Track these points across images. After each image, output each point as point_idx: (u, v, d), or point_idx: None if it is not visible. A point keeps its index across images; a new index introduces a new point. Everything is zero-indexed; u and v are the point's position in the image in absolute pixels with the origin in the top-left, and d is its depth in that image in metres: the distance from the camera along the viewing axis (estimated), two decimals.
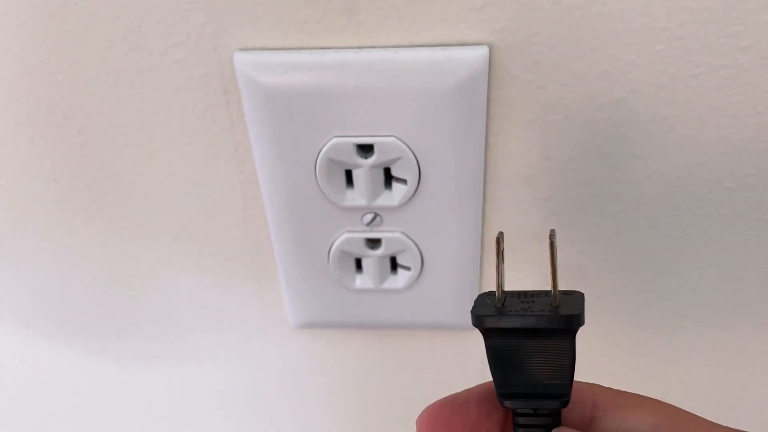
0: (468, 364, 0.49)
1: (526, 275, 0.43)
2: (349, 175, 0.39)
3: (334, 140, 0.37)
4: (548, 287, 0.27)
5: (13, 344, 0.52)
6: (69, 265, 0.46)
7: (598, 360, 0.47)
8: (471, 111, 0.36)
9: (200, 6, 0.34)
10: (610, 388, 0.27)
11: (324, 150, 0.37)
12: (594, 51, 0.34)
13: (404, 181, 0.38)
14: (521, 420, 0.27)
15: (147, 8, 0.35)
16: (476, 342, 0.46)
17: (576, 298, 0.27)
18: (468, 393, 0.27)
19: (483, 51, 0.34)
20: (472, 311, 0.27)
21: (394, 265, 0.43)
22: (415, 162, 0.37)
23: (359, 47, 0.35)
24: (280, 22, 0.35)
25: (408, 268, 0.42)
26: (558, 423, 0.26)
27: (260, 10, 0.34)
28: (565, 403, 0.26)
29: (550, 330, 0.25)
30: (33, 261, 0.46)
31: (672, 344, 0.46)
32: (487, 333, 0.26)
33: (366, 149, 0.37)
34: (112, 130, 0.39)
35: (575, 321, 0.25)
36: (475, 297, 0.42)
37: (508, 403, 0.27)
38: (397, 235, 0.40)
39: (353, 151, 0.37)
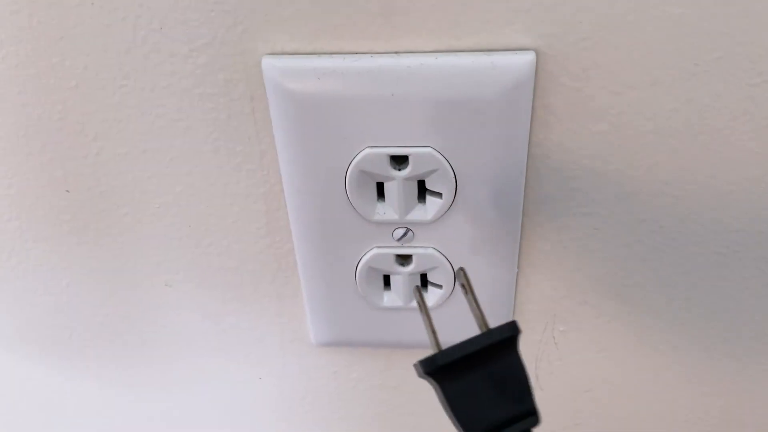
0: None
1: (564, 294, 0.41)
2: (380, 187, 0.36)
3: (367, 150, 0.35)
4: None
5: (13, 360, 0.50)
6: (80, 278, 0.44)
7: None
8: (514, 121, 0.33)
9: (227, 7, 0.32)
10: None
11: (355, 161, 0.35)
12: (647, 58, 0.32)
13: (439, 195, 0.36)
14: None
15: (169, 8, 0.32)
16: None
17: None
18: None
19: (529, 57, 0.32)
20: (414, 365, 0.27)
21: (424, 282, 0.40)
22: (452, 175, 0.35)
23: (396, 52, 0.33)
24: (311, 25, 0.32)
25: (439, 286, 0.40)
26: None
27: (290, 12, 0.32)
28: (536, 420, 0.26)
29: (491, 347, 0.26)
30: (42, 273, 0.44)
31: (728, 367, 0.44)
32: (438, 379, 0.26)
33: (400, 160, 0.35)
34: (129, 137, 0.37)
35: (508, 328, 0.27)
36: (509, 317, 0.40)
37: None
38: (430, 251, 0.38)
39: (386, 162, 0.35)
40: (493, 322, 0.41)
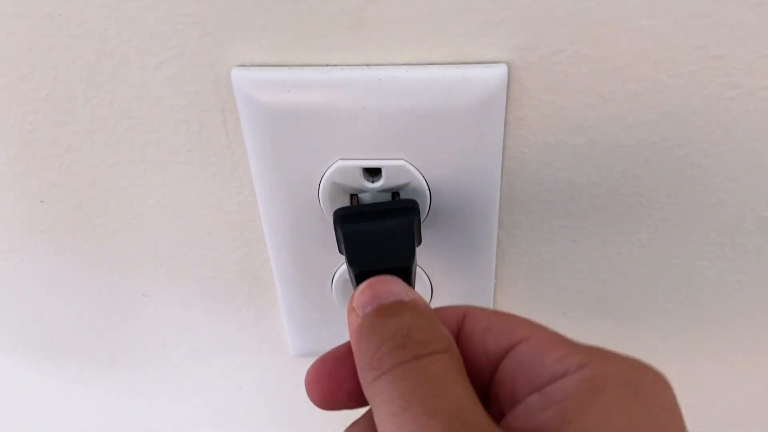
0: None
1: (540, 306, 0.40)
2: (354, 199, 0.36)
3: (339, 163, 0.34)
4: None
5: None
6: (56, 290, 0.44)
7: None
8: (487, 134, 0.33)
9: (195, 18, 0.32)
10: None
11: (328, 173, 0.34)
12: (622, 70, 0.31)
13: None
14: None
15: (138, 20, 0.32)
16: None
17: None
18: (347, 345, 0.26)
19: (501, 69, 0.31)
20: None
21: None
22: (426, 187, 0.34)
23: (367, 64, 0.32)
24: (281, 37, 0.32)
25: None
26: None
27: (260, 23, 0.32)
28: (408, 273, 0.31)
29: (392, 210, 0.32)
30: (17, 285, 0.44)
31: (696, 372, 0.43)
32: (341, 224, 0.32)
33: (373, 173, 0.35)
34: (101, 149, 0.36)
35: (410, 200, 0.33)
36: None
37: (361, 273, 0.30)
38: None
39: (359, 174, 0.34)
40: None
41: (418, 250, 0.37)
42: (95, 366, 0.48)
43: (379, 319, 0.24)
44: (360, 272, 0.31)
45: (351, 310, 0.26)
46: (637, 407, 0.21)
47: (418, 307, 0.25)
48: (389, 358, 0.22)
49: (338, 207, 0.34)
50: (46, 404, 0.52)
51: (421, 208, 0.35)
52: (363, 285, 0.26)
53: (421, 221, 0.35)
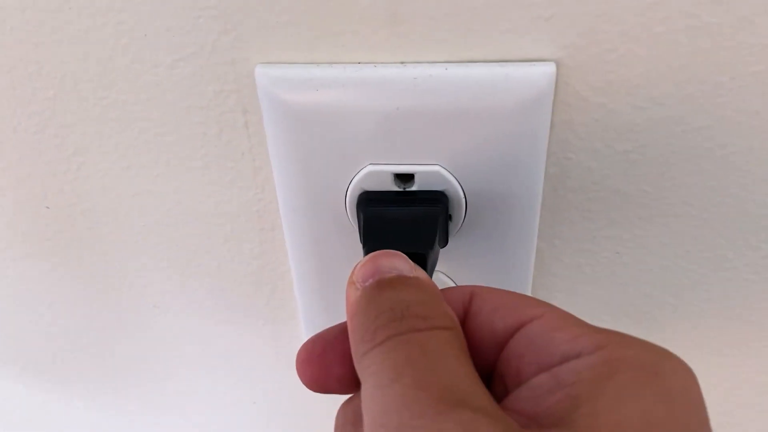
0: None
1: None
2: None
3: (369, 168, 0.32)
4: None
5: None
6: (64, 299, 0.41)
7: None
8: (531, 138, 0.31)
9: (216, 12, 0.29)
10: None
11: (356, 179, 0.32)
12: (677, 71, 0.29)
13: (448, 216, 0.33)
14: None
15: (154, 14, 0.30)
16: None
17: None
18: (342, 324, 0.25)
19: (549, 68, 0.29)
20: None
21: None
22: (462, 195, 0.32)
23: (402, 62, 0.30)
24: (309, 33, 0.30)
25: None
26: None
27: (286, 18, 0.29)
28: (424, 260, 0.28)
29: (418, 199, 0.31)
30: (19, 295, 0.41)
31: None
32: (363, 207, 0.31)
33: (405, 179, 0.32)
34: (112, 152, 0.34)
35: (438, 192, 0.31)
36: None
37: None
38: (439, 276, 0.35)
39: (390, 180, 0.32)
40: None
41: (449, 259, 0.35)
42: (101, 380, 0.46)
43: (379, 292, 0.23)
44: None
45: (351, 283, 0.24)
46: (653, 392, 0.19)
47: (421, 284, 0.23)
48: (384, 330, 0.21)
49: None
50: (48, 423, 0.49)
51: (455, 216, 0.33)
52: (365, 258, 0.24)
53: (456, 230, 0.33)
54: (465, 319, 0.24)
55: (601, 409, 0.18)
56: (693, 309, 0.37)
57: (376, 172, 0.32)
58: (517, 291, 0.35)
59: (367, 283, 0.23)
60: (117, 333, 0.42)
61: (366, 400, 0.20)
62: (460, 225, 0.33)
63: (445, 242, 0.32)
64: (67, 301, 0.41)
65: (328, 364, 0.24)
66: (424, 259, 0.30)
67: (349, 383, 0.24)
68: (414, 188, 0.32)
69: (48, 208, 0.37)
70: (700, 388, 0.20)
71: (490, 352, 0.23)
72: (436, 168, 0.31)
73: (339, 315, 0.38)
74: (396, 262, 0.24)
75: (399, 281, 0.23)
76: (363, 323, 0.22)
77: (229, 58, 0.31)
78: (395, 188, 0.32)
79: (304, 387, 0.44)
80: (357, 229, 0.33)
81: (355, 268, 0.25)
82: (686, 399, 0.19)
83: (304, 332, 0.40)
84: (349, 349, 0.23)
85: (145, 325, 0.42)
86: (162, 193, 0.35)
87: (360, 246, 0.33)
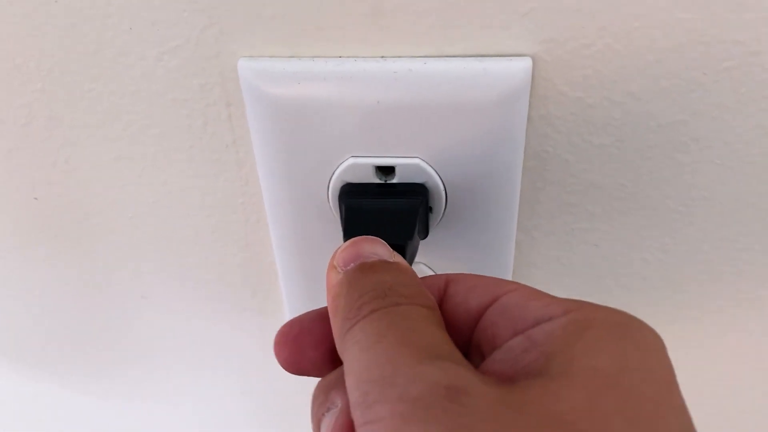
0: None
1: None
2: None
3: (351, 160, 0.32)
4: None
5: None
6: (52, 289, 0.42)
7: None
8: (508, 131, 0.31)
9: (201, 6, 0.30)
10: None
11: (338, 171, 0.33)
12: (653, 66, 0.29)
13: (428, 208, 0.33)
14: None
15: (140, 7, 0.30)
16: None
17: None
18: (318, 310, 0.26)
19: (526, 63, 0.30)
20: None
21: None
22: (442, 188, 0.32)
23: (382, 57, 0.30)
24: (291, 27, 0.30)
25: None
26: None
27: (269, 12, 0.30)
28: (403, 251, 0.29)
29: (398, 191, 0.32)
30: (8, 286, 0.42)
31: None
32: (344, 198, 0.32)
33: (386, 171, 0.33)
34: (99, 144, 0.35)
35: (418, 185, 0.32)
36: None
37: None
38: (421, 267, 0.36)
39: (372, 172, 0.32)
40: None
41: (430, 251, 0.35)
42: (89, 370, 0.46)
43: (362, 274, 0.23)
44: None
45: (332, 267, 0.25)
46: (625, 344, 0.19)
47: (401, 268, 0.24)
48: (368, 306, 0.22)
49: None
50: (37, 412, 0.50)
51: (436, 208, 0.33)
52: (346, 243, 0.25)
53: (437, 222, 0.34)
54: (441, 303, 0.25)
55: (576, 356, 0.19)
56: (671, 301, 0.37)
57: (358, 165, 0.32)
58: None
59: (348, 267, 0.24)
60: (105, 323, 0.43)
61: (350, 364, 0.20)
62: (440, 217, 0.34)
63: (425, 234, 0.33)
64: (55, 292, 0.42)
65: (302, 346, 0.25)
66: (403, 249, 0.30)
67: (323, 365, 0.25)
68: (395, 180, 0.32)
69: (36, 199, 0.37)
70: (666, 349, 0.20)
71: (467, 329, 0.24)
72: (416, 161, 0.32)
73: (323, 304, 0.38)
74: (377, 248, 0.25)
75: (380, 265, 0.24)
76: (347, 303, 0.22)
77: (213, 51, 0.31)
78: (377, 180, 0.33)
79: (291, 377, 0.44)
80: (340, 221, 0.34)
81: (336, 252, 0.25)
82: (657, 354, 0.20)
83: None
84: (323, 333, 0.24)
85: (133, 316, 0.42)
86: (149, 184, 0.36)
87: (342, 237, 0.33)
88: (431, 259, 0.36)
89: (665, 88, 0.30)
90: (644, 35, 0.29)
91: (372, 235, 0.30)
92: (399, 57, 0.30)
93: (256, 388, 0.46)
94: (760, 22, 0.28)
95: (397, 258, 0.25)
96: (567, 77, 0.30)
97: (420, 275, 0.35)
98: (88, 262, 0.40)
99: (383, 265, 0.24)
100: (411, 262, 0.31)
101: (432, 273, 0.36)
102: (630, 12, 0.28)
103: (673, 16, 0.28)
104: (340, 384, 0.22)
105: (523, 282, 0.37)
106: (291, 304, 0.39)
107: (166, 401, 0.48)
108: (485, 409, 0.17)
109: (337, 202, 0.33)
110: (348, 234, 0.31)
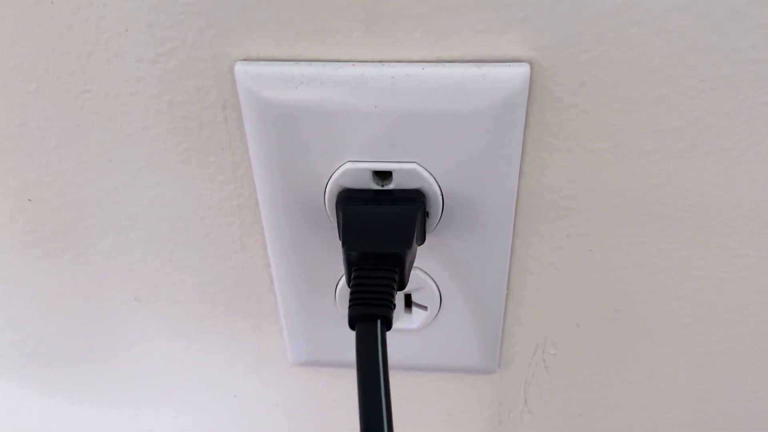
0: (485, 408, 0.44)
1: (553, 317, 0.39)
2: None
3: (348, 165, 0.32)
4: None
5: None
6: (45, 291, 0.41)
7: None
8: (506, 136, 0.31)
9: (197, 9, 0.30)
10: None
11: (335, 175, 0.32)
12: (651, 73, 0.29)
13: (425, 214, 0.33)
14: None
15: (135, 9, 0.30)
16: (492, 385, 0.42)
17: None
18: None
19: (523, 69, 0.29)
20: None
21: (408, 302, 0.38)
22: (439, 193, 0.32)
23: (380, 61, 0.30)
24: (288, 30, 0.30)
25: (424, 308, 0.38)
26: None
27: (266, 15, 0.30)
28: (400, 261, 0.30)
29: (396, 198, 0.32)
30: (5, 286, 0.41)
31: None
32: (342, 205, 0.32)
33: (383, 176, 0.33)
34: (93, 145, 0.34)
35: (414, 191, 0.32)
36: (498, 339, 0.38)
37: (352, 253, 0.30)
38: (417, 272, 0.36)
39: (369, 177, 0.32)
40: (482, 345, 0.39)
41: (427, 256, 0.35)
42: (81, 374, 0.46)
43: None
44: (351, 253, 0.30)
45: None
46: None
47: None
48: None
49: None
50: (25, 417, 0.50)
51: (432, 213, 0.33)
52: None
53: (433, 227, 0.34)
54: None
55: None
56: (667, 307, 0.37)
57: (355, 169, 0.32)
58: (493, 287, 0.36)
59: None
60: (98, 326, 0.43)
61: None
62: (437, 222, 0.34)
63: (422, 239, 0.33)
64: (47, 294, 0.41)
65: None
66: (402, 258, 0.30)
67: None
68: (392, 185, 0.32)
69: (30, 200, 0.37)
70: None
71: None
72: (414, 166, 0.32)
73: (317, 309, 0.38)
74: None
75: None
76: None
77: (209, 53, 0.31)
78: (373, 185, 0.32)
79: (284, 380, 0.44)
80: (335, 225, 0.34)
81: None
82: None
83: (284, 326, 0.40)
84: None
85: (125, 318, 0.42)
86: (144, 186, 0.36)
87: (339, 242, 0.33)
88: (427, 265, 0.36)
89: (662, 95, 0.30)
90: (642, 42, 0.29)
91: (370, 243, 0.30)
92: (397, 62, 0.30)
93: (249, 390, 0.45)
94: (758, 29, 0.28)
95: None
96: (564, 83, 0.30)
97: (416, 282, 0.36)
98: (81, 264, 0.40)
99: None
100: (410, 269, 0.31)
101: (429, 279, 0.36)
102: (627, 19, 0.28)
103: (671, 24, 0.28)
104: None
105: (517, 288, 0.37)
106: (285, 306, 0.39)
107: (157, 404, 0.47)
108: None
109: (333, 206, 0.33)
110: (346, 242, 0.31)
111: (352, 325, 0.30)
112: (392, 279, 0.30)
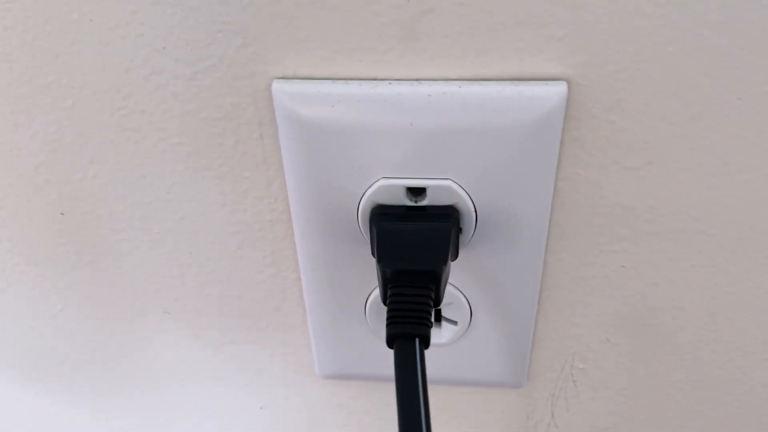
0: (512, 422, 0.44)
1: (585, 331, 0.39)
2: None
3: (382, 181, 0.32)
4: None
5: (2, 383, 0.48)
6: (75, 303, 0.42)
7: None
8: (541, 154, 0.31)
9: (235, 27, 0.30)
10: None
11: (369, 192, 0.33)
12: (687, 91, 0.29)
13: (459, 230, 0.33)
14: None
15: (173, 27, 0.30)
16: (519, 398, 0.42)
17: None
18: None
19: (561, 88, 0.30)
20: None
21: (437, 316, 0.38)
22: (472, 209, 0.32)
23: (417, 79, 0.30)
24: (325, 49, 0.30)
25: (454, 322, 0.38)
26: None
27: (304, 34, 0.30)
28: (437, 279, 0.30)
29: (429, 214, 0.32)
30: (31, 298, 0.42)
31: None
32: (376, 221, 0.32)
33: (417, 192, 0.33)
34: (128, 161, 0.35)
35: (448, 207, 0.32)
36: (527, 353, 0.38)
37: (388, 270, 0.30)
38: (449, 288, 0.36)
39: (403, 193, 0.32)
40: (511, 360, 0.39)
41: (458, 271, 0.36)
42: (109, 385, 0.46)
43: None
44: (387, 270, 0.31)
45: None
46: None
47: None
48: None
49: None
50: (54, 426, 0.50)
51: (466, 229, 0.33)
52: None
53: (466, 242, 0.34)
54: None
55: None
56: (697, 322, 0.37)
57: (389, 186, 0.32)
58: (524, 303, 0.36)
59: None
60: (127, 338, 0.43)
61: None
62: (470, 238, 0.34)
63: (455, 255, 0.33)
64: (78, 306, 0.42)
65: None
66: (438, 275, 0.30)
67: None
68: (425, 202, 0.32)
69: (63, 214, 0.37)
70: None
71: None
72: (448, 182, 0.32)
73: (345, 323, 0.38)
74: None
75: None
76: None
77: (247, 71, 0.31)
78: (407, 201, 0.33)
79: (310, 393, 0.44)
80: (368, 241, 0.34)
81: None
82: None
83: (312, 339, 0.40)
84: None
85: (155, 330, 0.42)
86: (177, 201, 0.36)
87: (370, 257, 0.33)
88: (459, 281, 0.36)
89: (699, 112, 0.30)
90: (679, 60, 0.29)
91: (406, 260, 0.30)
92: (433, 80, 0.30)
93: (276, 402, 0.46)
94: None
95: None
96: (600, 101, 0.30)
97: (449, 297, 0.36)
98: (112, 277, 0.40)
99: None
100: (445, 286, 0.31)
101: (461, 295, 0.36)
102: (664, 37, 0.28)
103: (707, 42, 0.28)
104: None
105: (548, 302, 0.37)
106: (314, 320, 0.39)
107: (186, 415, 0.47)
108: None
109: (366, 222, 0.33)
110: (381, 259, 0.31)
111: (390, 344, 0.30)
112: (428, 297, 0.30)
